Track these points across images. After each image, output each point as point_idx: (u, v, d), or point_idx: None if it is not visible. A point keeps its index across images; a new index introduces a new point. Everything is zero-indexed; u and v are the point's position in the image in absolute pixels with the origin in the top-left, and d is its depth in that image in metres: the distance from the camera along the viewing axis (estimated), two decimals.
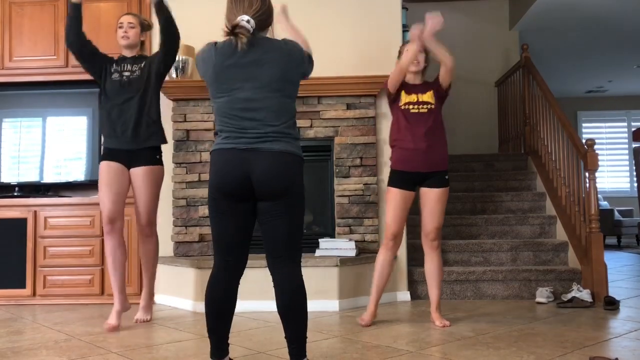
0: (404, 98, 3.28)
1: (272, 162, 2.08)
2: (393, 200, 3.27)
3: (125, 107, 3.27)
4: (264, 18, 2.18)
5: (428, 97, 3.27)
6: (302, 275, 2.17)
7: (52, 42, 4.40)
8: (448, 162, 3.34)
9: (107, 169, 3.27)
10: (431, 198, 3.25)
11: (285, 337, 2.15)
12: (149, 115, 3.30)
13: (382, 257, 3.33)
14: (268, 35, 2.24)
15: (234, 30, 2.08)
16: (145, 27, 3.46)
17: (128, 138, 3.27)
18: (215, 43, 2.18)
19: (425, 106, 3.24)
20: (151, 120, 3.31)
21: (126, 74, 3.32)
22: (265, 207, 2.12)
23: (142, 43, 3.45)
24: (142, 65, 3.35)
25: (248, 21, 2.10)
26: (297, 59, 2.20)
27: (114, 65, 3.36)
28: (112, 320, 3.24)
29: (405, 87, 3.31)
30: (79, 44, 3.30)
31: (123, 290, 3.32)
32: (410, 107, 3.25)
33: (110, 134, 3.30)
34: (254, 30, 2.12)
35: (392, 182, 3.29)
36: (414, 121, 3.23)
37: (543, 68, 6.56)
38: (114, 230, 3.26)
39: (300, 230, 2.18)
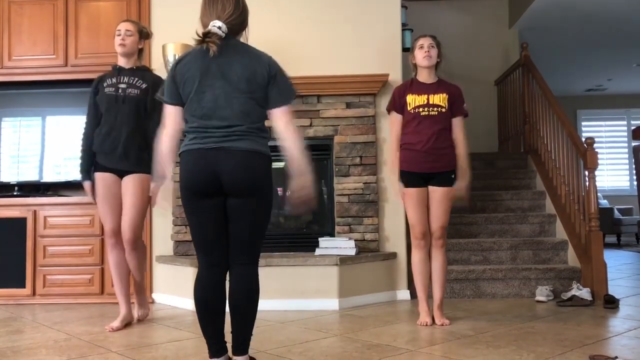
0: (412, 102, 3.24)
1: (239, 160, 2.10)
2: (410, 201, 3.25)
3: (117, 126, 3.19)
4: (238, 22, 2.18)
5: (440, 99, 3.23)
6: (257, 276, 2.21)
7: (51, 41, 4.39)
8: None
9: (102, 183, 3.23)
10: (437, 197, 3.24)
11: (232, 332, 2.19)
12: (141, 140, 3.20)
13: (417, 257, 3.30)
14: (242, 39, 2.23)
15: (204, 38, 2.09)
16: (144, 34, 3.37)
17: (116, 158, 3.20)
18: (179, 57, 2.19)
19: (435, 109, 3.21)
20: (144, 146, 3.18)
21: (122, 86, 3.23)
22: (232, 204, 2.15)
23: (141, 51, 3.37)
24: (144, 85, 3.25)
25: (220, 27, 2.10)
26: (264, 66, 2.16)
27: (108, 79, 3.27)
28: (116, 323, 3.23)
29: (413, 89, 3.27)
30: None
31: (129, 301, 3.34)
32: (420, 109, 3.22)
33: (98, 149, 3.23)
34: (226, 35, 2.12)
35: (406, 183, 3.26)
36: (423, 123, 3.20)
37: (543, 66, 6.54)
38: (117, 243, 3.27)
39: (262, 229, 2.21)
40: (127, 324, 3.31)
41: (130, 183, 3.24)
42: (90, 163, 3.29)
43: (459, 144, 3.27)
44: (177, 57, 2.22)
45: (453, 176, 3.26)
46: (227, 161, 2.09)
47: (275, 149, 2.31)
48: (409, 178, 3.25)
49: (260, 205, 2.17)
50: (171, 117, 2.21)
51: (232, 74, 2.13)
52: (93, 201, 3.33)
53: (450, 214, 3.31)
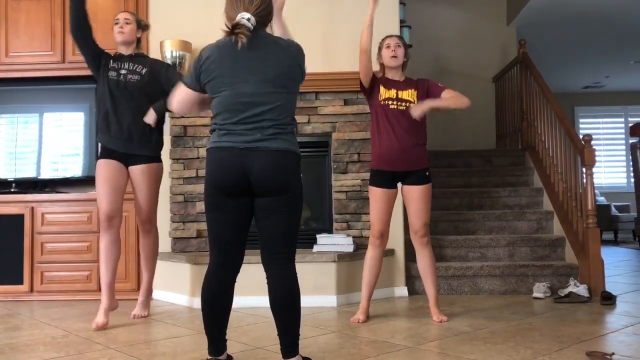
0: (383, 93, 3.24)
1: (271, 160, 2.08)
2: (376, 200, 3.27)
3: (120, 109, 3.23)
4: (265, 14, 2.16)
5: (408, 95, 3.24)
6: (296, 273, 2.17)
7: (48, 37, 4.38)
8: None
9: (105, 167, 3.24)
10: (414, 196, 3.25)
11: (278, 334, 2.15)
12: (144, 122, 3.25)
13: (370, 255, 3.34)
14: (268, 31, 2.22)
15: (234, 29, 2.06)
16: (142, 26, 3.41)
17: (121, 141, 3.24)
18: (207, 47, 2.17)
19: (404, 104, 3.21)
20: (147, 129, 3.27)
21: (123, 72, 3.27)
22: (262, 203, 2.12)
23: (139, 41, 3.41)
24: (144, 70, 3.29)
25: (249, 19, 2.08)
26: (299, 58, 2.19)
27: (112, 62, 3.31)
28: (100, 318, 3.16)
29: (384, 82, 3.28)
30: (79, 35, 3.26)
31: (112, 288, 3.24)
32: (390, 102, 3.22)
33: (103, 130, 3.27)
34: (254, 28, 2.10)
35: (373, 182, 3.28)
36: (392, 118, 3.20)
37: (540, 63, 6.56)
38: (111, 226, 3.22)
39: (296, 227, 2.17)
40: (113, 308, 3.27)
41: (139, 173, 3.28)
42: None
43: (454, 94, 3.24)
44: (204, 51, 2.15)
45: (427, 174, 3.27)
46: (258, 162, 2.06)
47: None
48: (378, 177, 3.26)
49: (292, 201, 2.13)
50: (183, 94, 2.22)
51: (267, 68, 2.10)
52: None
53: (430, 211, 3.32)
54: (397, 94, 3.24)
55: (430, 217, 3.33)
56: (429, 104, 3.14)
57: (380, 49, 3.35)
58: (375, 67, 3.37)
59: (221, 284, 2.17)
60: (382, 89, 3.26)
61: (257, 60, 2.11)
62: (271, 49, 2.13)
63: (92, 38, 3.30)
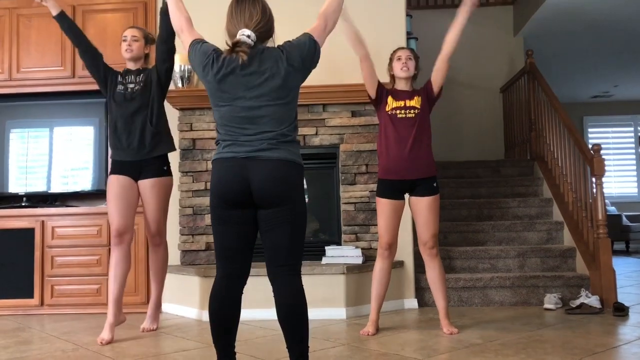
0: (392, 103, 3.27)
1: (272, 169, 2.09)
2: (383, 211, 3.26)
3: (130, 119, 3.29)
4: (266, 30, 2.18)
5: (415, 102, 3.26)
6: (302, 285, 2.16)
7: (59, 53, 4.43)
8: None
9: (116, 183, 3.28)
10: (422, 207, 3.24)
11: (287, 347, 2.14)
12: (154, 126, 3.31)
13: (379, 266, 3.33)
14: (269, 45, 2.23)
15: (234, 47, 2.09)
16: (150, 40, 3.46)
17: (134, 150, 3.28)
18: (216, 52, 2.17)
19: (412, 111, 3.23)
20: (156, 131, 3.32)
21: (130, 85, 3.34)
22: (265, 215, 2.12)
23: (147, 56, 3.46)
24: (144, 77, 3.36)
25: (249, 36, 2.10)
26: (297, 63, 2.16)
27: (119, 77, 3.38)
28: (105, 334, 3.16)
29: (393, 93, 3.30)
30: (81, 49, 3.37)
31: (119, 303, 3.25)
32: (398, 112, 3.24)
33: (117, 145, 3.32)
34: (255, 43, 2.12)
35: (381, 193, 3.28)
36: (400, 127, 3.22)
37: (548, 73, 6.54)
38: (122, 242, 3.26)
39: (301, 238, 2.17)
40: (119, 322, 3.27)
41: (149, 187, 3.31)
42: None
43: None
44: (214, 53, 2.15)
45: (435, 184, 3.26)
46: (259, 171, 2.07)
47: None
48: (386, 188, 3.26)
49: (295, 212, 2.12)
50: (186, 41, 2.23)
51: (264, 82, 2.12)
52: None
53: (439, 222, 3.31)
54: (405, 103, 3.26)
55: (439, 228, 3.31)
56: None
57: (391, 60, 3.37)
58: (385, 78, 3.39)
59: (228, 295, 2.16)
60: (390, 99, 3.28)
61: (254, 75, 2.13)
62: (268, 62, 2.14)
63: (98, 61, 3.37)
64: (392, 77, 3.38)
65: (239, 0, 2.19)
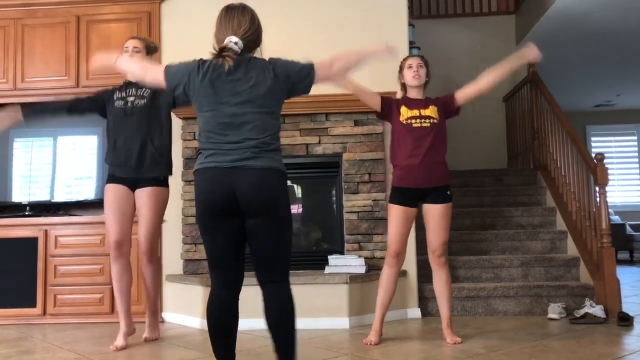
0: (406, 113, 3.25)
1: (256, 179, 2.10)
2: (395, 218, 3.25)
3: (129, 136, 3.25)
4: (253, 39, 2.20)
5: (431, 111, 3.25)
6: (291, 291, 2.18)
7: (63, 62, 4.46)
8: (451, 178, 3.34)
9: (113, 193, 3.27)
10: (434, 214, 3.23)
11: (275, 352, 2.15)
12: (154, 146, 3.27)
13: (386, 274, 3.31)
14: (257, 55, 2.25)
15: (221, 52, 2.10)
16: (151, 50, 3.44)
17: (131, 167, 3.26)
18: (201, 60, 2.19)
19: (427, 120, 3.23)
20: (156, 151, 3.28)
21: (130, 99, 3.30)
22: (251, 225, 2.13)
23: None
24: (148, 93, 3.32)
25: (236, 43, 2.12)
26: (281, 75, 2.18)
27: (117, 92, 3.34)
28: (119, 341, 3.23)
29: (406, 102, 3.29)
30: (80, 115, 3.39)
31: (129, 314, 3.30)
32: (413, 121, 3.23)
33: (113, 162, 3.30)
34: (242, 51, 2.14)
35: (394, 199, 3.26)
36: (416, 136, 3.21)
37: (550, 82, 6.54)
38: (121, 255, 3.26)
39: (288, 245, 2.19)
40: (131, 333, 3.30)
41: (145, 196, 3.28)
42: (49, 109, 3.39)
43: (486, 74, 3.33)
44: (199, 61, 2.18)
45: (448, 192, 3.25)
46: (244, 180, 2.08)
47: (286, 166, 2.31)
48: (399, 195, 3.24)
49: (281, 221, 2.15)
50: (157, 76, 2.24)
51: (248, 89, 2.13)
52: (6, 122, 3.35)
53: (450, 230, 3.30)
54: (420, 112, 3.25)
55: (448, 238, 3.30)
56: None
57: (401, 68, 3.36)
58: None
59: (224, 304, 2.18)
60: (403, 109, 3.27)
61: (239, 82, 2.14)
62: (254, 70, 2.16)
63: (97, 104, 3.37)
64: (403, 85, 3.36)
65: (229, 9, 2.22)
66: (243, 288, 2.22)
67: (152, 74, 2.28)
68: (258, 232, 2.12)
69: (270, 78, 2.16)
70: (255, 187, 2.09)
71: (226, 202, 2.09)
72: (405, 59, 3.37)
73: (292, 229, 2.22)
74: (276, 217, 2.13)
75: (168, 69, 2.22)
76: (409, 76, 3.29)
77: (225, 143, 2.12)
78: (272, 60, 2.21)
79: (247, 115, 2.13)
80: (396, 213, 3.24)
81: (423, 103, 3.28)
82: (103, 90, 3.41)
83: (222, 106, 2.13)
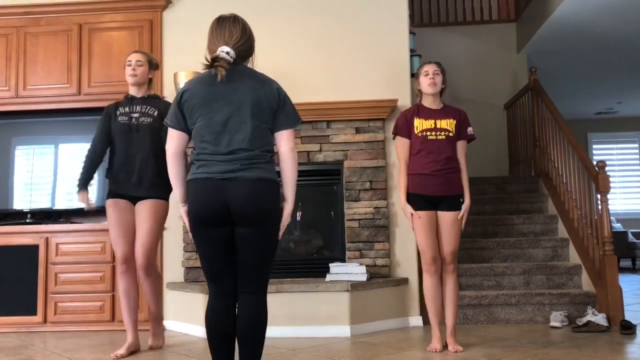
0: (420, 125, 3.24)
1: (249, 190, 2.10)
2: (420, 224, 3.21)
3: (131, 153, 3.25)
4: (245, 48, 2.21)
5: (447, 124, 3.24)
6: (265, 303, 2.20)
7: (65, 70, 4.47)
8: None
9: (114, 208, 3.27)
10: (446, 221, 3.23)
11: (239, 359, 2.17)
12: (156, 166, 3.26)
13: (429, 282, 3.26)
14: (249, 64, 2.26)
15: (213, 62, 2.11)
16: (154, 65, 3.45)
17: (131, 185, 3.26)
18: (195, 78, 2.21)
19: (443, 133, 3.22)
20: (157, 171, 3.26)
21: (135, 115, 3.30)
22: (240, 233, 2.14)
23: (150, 81, 3.44)
24: (156, 113, 3.31)
25: (228, 52, 2.13)
26: (273, 91, 2.20)
27: (120, 107, 3.34)
28: (122, 351, 3.22)
29: (419, 113, 3.28)
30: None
31: (136, 327, 3.33)
32: (428, 133, 3.22)
33: (114, 179, 3.30)
34: (234, 60, 2.14)
35: (414, 205, 3.23)
36: (431, 148, 3.20)
37: (552, 90, 6.55)
38: (128, 270, 3.28)
39: (270, 257, 2.20)
40: (133, 352, 3.29)
41: (144, 209, 3.27)
42: (90, 175, 3.36)
43: (462, 168, 3.28)
44: (184, 86, 2.22)
45: (461, 199, 3.25)
46: (236, 191, 2.09)
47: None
48: (418, 201, 3.23)
49: (269, 233, 2.17)
50: (173, 140, 2.22)
51: (241, 99, 2.14)
52: (86, 206, 3.36)
53: (460, 238, 3.29)
54: (435, 123, 3.23)
55: (459, 246, 3.28)
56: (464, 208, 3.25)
57: (417, 75, 3.35)
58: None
59: (221, 312, 2.19)
60: (417, 121, 3.26)
61: (232, 91, 2.15)
62: (248, 80, 2.18)
63: (107, 147, 3.37)
64: (420, 92, 3.35)
65: (220, 20, 2.23)
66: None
67: (169, 143, 2.23)
68: (244, 242, 2.14)
69: (261, 88, 2.17)
70: (247, 198, 2.09)
71: (218, 212, 2.10)
72: (421, 66, 3.35)
73: (277, 242, 2.23)
74: (265, 229, 2.15)
75: (169, 125, 2.22)
76: (425, 83, 3.28)
77: (218, 154, 2.12)
78: (280, 90, 2.23)
79: (240, 125, 2.13)
80: (422, 218, 3.21)
81: (439, 113, 3.27)
82: (106, 115, 3.37)
83: (215, 114, 2.14)
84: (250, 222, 2.11)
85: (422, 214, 3.21)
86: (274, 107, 2.20)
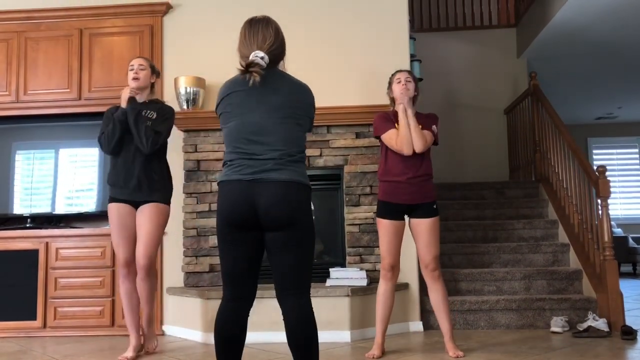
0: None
1: (278, 192, 2.06)
2: (385, 232, 3.25)
3: (132, 158, 3.27)
4: (278, 52, 2.19)
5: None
6: (311, 307, 2.13)
7: (65, 75, 4.48)
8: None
9: (116, 212, 3.29)
10: (423, 229, 3.23)
11: None
12: (155, 172, 3.29)
13: (382, 288, 3.30)
14: (280, 67, 2.25)
15: (248, 68, 2.09)
16: (156, 71, 3.46)
17: (130, 190, 3.27)
18: (231, 80, 2.20)
19: None
20: (156, 177, 3.29)
21: None
22: (272, 238, 2.09)
23: (152, 86, 3.45)
24: (155, 117, 3.32)
25: (262, 58, 2.10)
26: (308, 95, 2.22)
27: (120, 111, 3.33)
28: (129, 353, 3.25)
29: (395, 119, 3.29)
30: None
31: (138, 329, 3.36)
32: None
33: (114, 183, 3.31)
34: (267, 65, 2.13)
35: (381, 214, 3.26)
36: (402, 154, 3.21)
37: (552, 95, 6.57)
38: (130, 273, 3.30)
39: (309, 262, 2.14)
40: (141, 348, 3.34)
41: (145, 212, 3.28)
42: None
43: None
44: (220, 91, 2.20)
45: (434, 207, 3.25)
46: (265, 194, 2.05)
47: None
48: (386, 209, 3.24)
49: (303, 235, 2.10)
50: None
51: (276, 100, 2.13)
52: (130, 92, 3.29)
53: (440, 244, 3.29)
54: None
55: (440, 251, 3.30)
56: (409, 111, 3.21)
57: (390, 83, 3.38)
58: (383, 100, 3.39)
59: (234, 318, 2.13)
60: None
61: (266, 93, 2.14)
62: (281, 82, 2.17)
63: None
64: (392, 100, 3.38)
65: (252, 23, 2.20)
66: None
67: None
68: (279, 247, 2.08)
69: (296, 91, 2.18)
70: (276, 201, 2.05)
71: (246, 216, 2.06)
72: (394, 74, 3.38)
73: (313, 243, 2.17)
74: (298, 231, 2.08)
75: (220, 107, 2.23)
76: (398, 90, 3.30)
77: (249, 154, 2.09)
78: (307, 86, 2.25)
79: (272, 126, 2.11)
80: (386, 227, 3.24)
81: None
82: (107, 118, 3.37)
83: (247, 115, 2.12)
84: (278, 226, 2.07)
85: (386, 222, 3.23)
86: (308, 111, 2.21)
